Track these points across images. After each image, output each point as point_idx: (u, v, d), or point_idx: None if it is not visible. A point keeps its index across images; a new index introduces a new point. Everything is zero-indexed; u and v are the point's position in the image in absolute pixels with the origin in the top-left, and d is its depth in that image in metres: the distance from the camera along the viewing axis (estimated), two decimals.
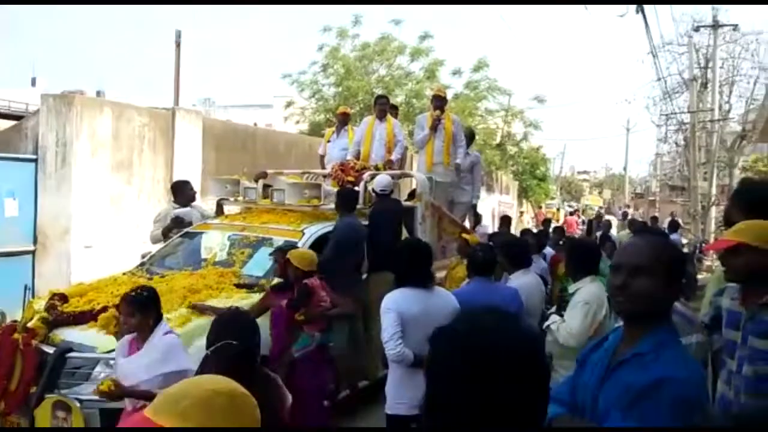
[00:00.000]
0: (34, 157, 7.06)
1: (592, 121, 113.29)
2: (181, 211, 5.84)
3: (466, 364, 0.98)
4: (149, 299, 3.22)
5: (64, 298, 4.36)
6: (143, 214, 7.48)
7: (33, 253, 7.08)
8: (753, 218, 2.38)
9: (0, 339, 3.78)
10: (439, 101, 7.45)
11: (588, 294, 3.54)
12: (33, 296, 4.06)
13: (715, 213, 18.33)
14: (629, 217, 19.38)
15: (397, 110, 8.04)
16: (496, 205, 20.87)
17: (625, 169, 50.63)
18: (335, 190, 5.68)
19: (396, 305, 3.34)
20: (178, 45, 9.16)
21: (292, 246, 4.67)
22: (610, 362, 1.70)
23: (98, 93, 29.91)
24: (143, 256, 5.74)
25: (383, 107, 7.17)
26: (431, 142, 7.20)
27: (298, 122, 21.15)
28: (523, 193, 32.64)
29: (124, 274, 5.16)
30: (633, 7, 8.37)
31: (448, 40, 29.66)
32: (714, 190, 18.33)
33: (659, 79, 18.44)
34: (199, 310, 4.14)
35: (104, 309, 4.10)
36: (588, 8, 8.72)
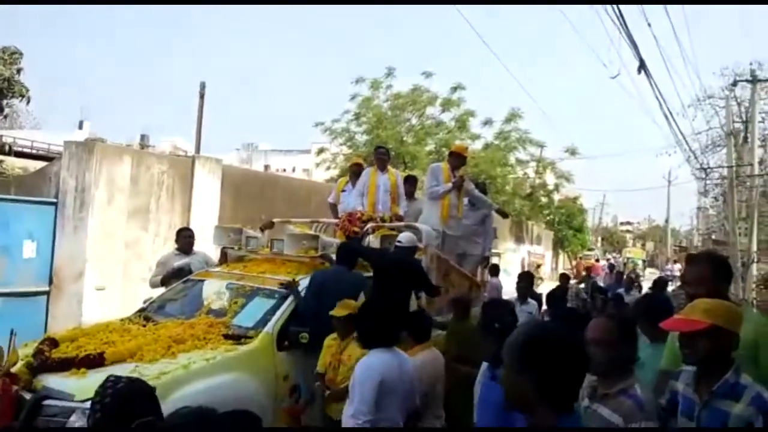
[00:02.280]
0: (54, 201, 7.32)
1: (634, 172, 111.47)
2: (182, 262, 5.92)
3: None
4: None
5: (54, 343, 4.39)
6: (157, 259, 7.63)
7: (48, 294, 7.26)
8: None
9: None
10: (460, 160, 7.39)
11: None
12: (11, 342, 4.06)
13: (755, 270, 17.55)
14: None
15: (416, 182, 7.99)
16: (526, 256, 20.52)
17: (667, 221, 49.26)
18: (334, 241, 5.67)
19: (379, 374, 3.24)
20: (201, 96, 9.47)
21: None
22: None
23: (143, 137, 31.23)
24: (145, 302, 5.79)
25: (381, 157, 7.18)
26: (447, 196, 7.12)
27: (329, 168, 21.51)
28: (559, 244, 32.10)
29: (122, 320, 5.21)
30: (633, 67, 8.18)
31: (480, 92, 30.09)
32: (754, 246, 17.58)
33: (698, 133, 18.09)
34: None
35: (88, 356, 4.13)
36: (607, 65, 8.62)
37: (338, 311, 4.24)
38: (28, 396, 3.85)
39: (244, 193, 9.34)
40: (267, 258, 5.80)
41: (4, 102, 13.25)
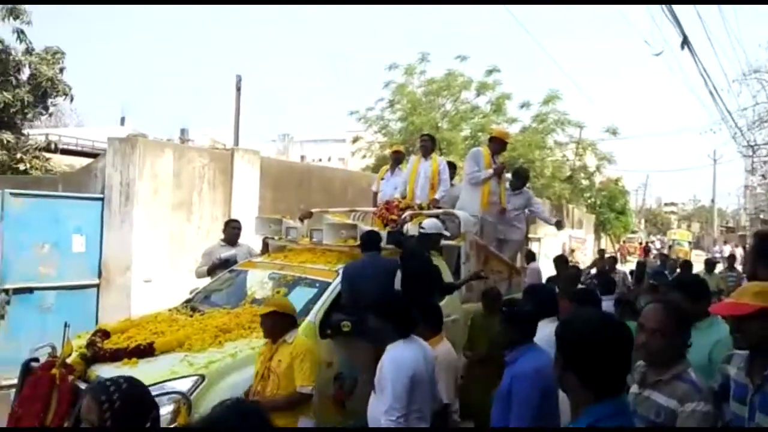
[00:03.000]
0: (101, 196, 7.53)
1: (677, 151, 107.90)
2: (229, 253, 6.05)
3: None
4: None
5: (106, 334, 4.55)
6: (201, 250, 7.78)
7: (98, 286, 7.50)
8: None
9: (39, 374, 3.96)
10: (501, 146, 7.29)
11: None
12: (65, 334, 4.21)
13: None
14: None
15: (455, 169, 8.00)
16: (567, 240, 20.15)
17: (713, 201, 47.68)
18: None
19: (410, 367, 3.21)
20: (238, 89, 9.57)
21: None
22: None
23: (182, 131, 31.75)
24: (191, 292, 5.94)
25: (424, 144, 7.18)
26: (488, 183, 7.03)
27: (364, 157, 21.52)
28: (601, 227, 31.48)
29: (169, 310, 5.34)
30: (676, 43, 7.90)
31: (517, 75, 29.44)
32: None
33: (744, 109, 17.40)
34: None
35: (138, 347, 4.26)
36: (649, 42, 8.28)
37: (262, 308, 3.87)
38: (83, 386, 3.99)
39: (282, 183, 9.44)
40: (307, 248, 5.87)
41: (49, 101, 13.61)
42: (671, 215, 78.27)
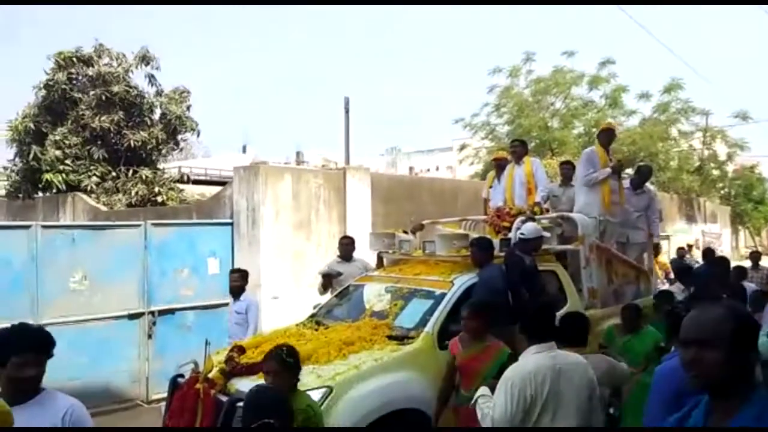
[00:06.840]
0: (230, 221, 8.14)
1: None
2: (324, 269, 6.46)
3: None
4: None
5: (241, 350, 4.90)
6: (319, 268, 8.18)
7: None
8: None
9: (185, 389, 4.36)
10: (610, 136, 7.03)
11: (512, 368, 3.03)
12: (207, 350, 4.57)
13: None
14: None
15: (573, 167, 7.70)
16: (700, 236, 18.67)
17: None
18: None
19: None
20: (347, 111, 9.94)
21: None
22: None
23: (298, 154, 33.39)
24: (314, 307, 6.24)
25: (514, 150, 7.05)
26: (607, 181, 6.70)
27: (472, 164, 21.37)
28: (738, 220, 28.91)
29: (296, 325, 5.65)
30: None
31: (633, 65, 27.82)
32: None
33: None
34: None
35: None
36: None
37: None
38: (224, 399, 4.34)
39: (393, 197, 9.64)
40: (421, 260, 5.95)
41: (179, 137, 14.87)
42: None
